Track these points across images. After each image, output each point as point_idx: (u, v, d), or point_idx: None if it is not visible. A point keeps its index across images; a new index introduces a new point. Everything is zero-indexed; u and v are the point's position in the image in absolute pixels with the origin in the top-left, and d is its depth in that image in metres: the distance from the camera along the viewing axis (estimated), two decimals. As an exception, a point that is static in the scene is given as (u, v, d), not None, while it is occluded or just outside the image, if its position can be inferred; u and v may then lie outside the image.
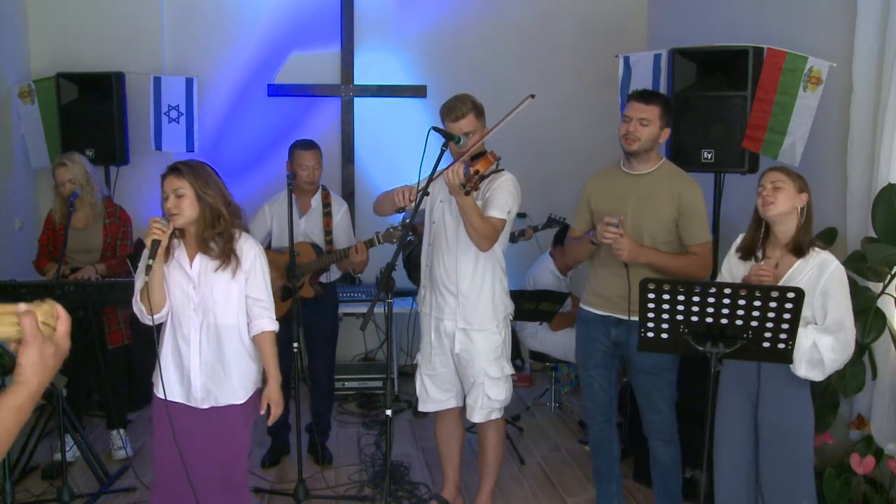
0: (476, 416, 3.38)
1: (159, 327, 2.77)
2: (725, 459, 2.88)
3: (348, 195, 5.61)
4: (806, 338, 2.60)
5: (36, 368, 1.22)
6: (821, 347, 2.60)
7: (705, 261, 3.15)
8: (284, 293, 4.03)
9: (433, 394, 3.48)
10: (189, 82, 5.07)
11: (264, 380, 2.84)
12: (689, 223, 3.13)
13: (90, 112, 4.93)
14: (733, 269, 2.88)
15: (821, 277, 2.63)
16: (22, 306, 1.23)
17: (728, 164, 3.99)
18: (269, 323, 2.80)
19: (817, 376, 2.65)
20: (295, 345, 3.63)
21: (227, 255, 2.71)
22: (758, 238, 2.80)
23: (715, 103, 3.99)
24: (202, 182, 2.68)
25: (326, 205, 4.08)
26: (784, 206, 2.69)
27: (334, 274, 4.17)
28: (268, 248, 4.17)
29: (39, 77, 5.10)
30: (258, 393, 2.85)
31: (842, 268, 2.66)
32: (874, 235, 3.33)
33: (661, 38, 5.37)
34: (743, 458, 2.84)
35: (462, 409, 3.53)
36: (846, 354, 2.63)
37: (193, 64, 5.36)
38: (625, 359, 3.27)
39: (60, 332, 1.27)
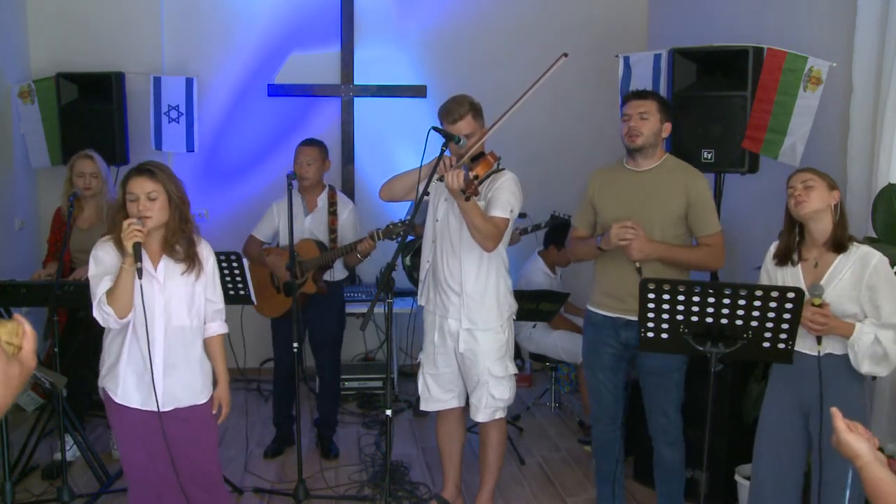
0: (480, 416, 3.37)
1: (103, 331, 2.77)
2: (769, 463, 2.80)
3: (348, 195, 5.61)
4: (866, 333, 2.55)
5: None
6: (883, 341, 2.54)
7: (718, 251, 3.13)
8: (286, 289, 4.04)
9: (435, 393, 3.48)
10: (189, 82, 5.08)
11: (214, 381, 2.91)
12: (699, 214, 3.12)
13: (90, 112, 4.93)
14: (772, 276, 2.80)
15: (864, 271, 2.59)
16: None
17: (728, 164, 3.99)
18: (222, 326, 2.91)
19: (882, 371, 2.59)
20: (295, 345, 3.63)
21: (191, 259, 2.74)
22: (793, 241, 2.75)
23: (715, 103, 3.99)
24: (174, 185, 2.71)
25: (332, 204, 4.13)
26: (817, 204, 2.65)
27: (339, 273, 4.18)
28: (277, 245, 4.24)
29: (39, 77, 5.09)
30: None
31: (885, 259, 2.62)
32: (874, 235, 3.33)
33: (661, 38, 5.37)
34: (790, 462, 2.77)
35: (464, 410, 3.53)
36: None
37: (193, 64, 5.36)
38: (633, 360, 3.25)
39: (26, 351, 1.22)
